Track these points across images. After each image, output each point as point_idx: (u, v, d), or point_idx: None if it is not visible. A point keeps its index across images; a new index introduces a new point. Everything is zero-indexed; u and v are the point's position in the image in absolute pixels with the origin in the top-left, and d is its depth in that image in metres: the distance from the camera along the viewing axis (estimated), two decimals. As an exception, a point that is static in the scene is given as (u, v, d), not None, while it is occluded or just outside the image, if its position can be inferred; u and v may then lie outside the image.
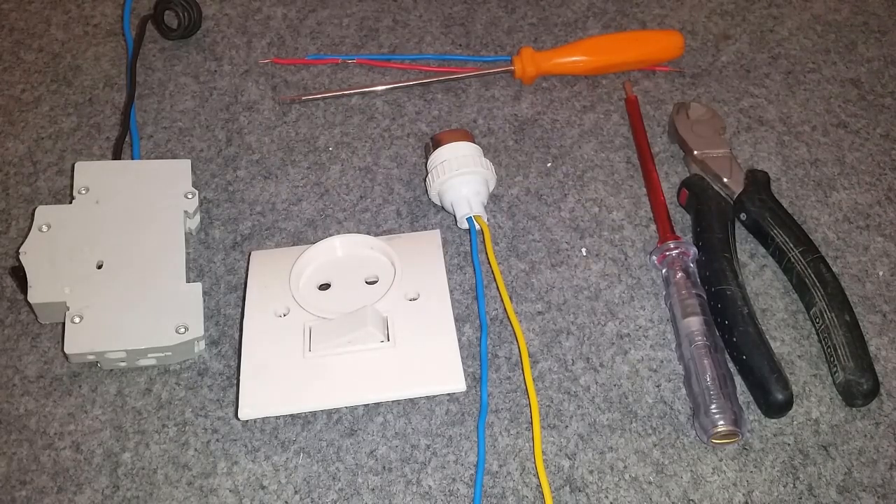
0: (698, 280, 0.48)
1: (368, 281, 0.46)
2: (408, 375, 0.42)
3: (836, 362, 0.44)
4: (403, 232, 0.52)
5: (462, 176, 0.50)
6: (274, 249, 0.50)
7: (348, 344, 0.42)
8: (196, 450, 0.44)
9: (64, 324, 0.45)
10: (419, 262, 0.46)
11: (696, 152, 0.53)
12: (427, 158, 0.52)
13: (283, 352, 0.43)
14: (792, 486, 0.42)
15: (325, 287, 0.46)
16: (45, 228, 0.48)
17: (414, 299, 0.45)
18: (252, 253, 0.49)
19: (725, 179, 0.52)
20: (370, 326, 0.42)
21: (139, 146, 0.56)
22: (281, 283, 0.45)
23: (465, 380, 0.43)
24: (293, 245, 0.51)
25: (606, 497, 0.42)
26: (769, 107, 0.59)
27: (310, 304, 0.44)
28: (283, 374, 0.42)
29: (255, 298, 0.45)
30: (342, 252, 0.47)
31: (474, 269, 0.48)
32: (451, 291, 0.49)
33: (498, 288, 0.48)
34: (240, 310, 0.48)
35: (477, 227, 0.50)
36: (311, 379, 0.42)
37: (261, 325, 0.44)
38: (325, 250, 0.47)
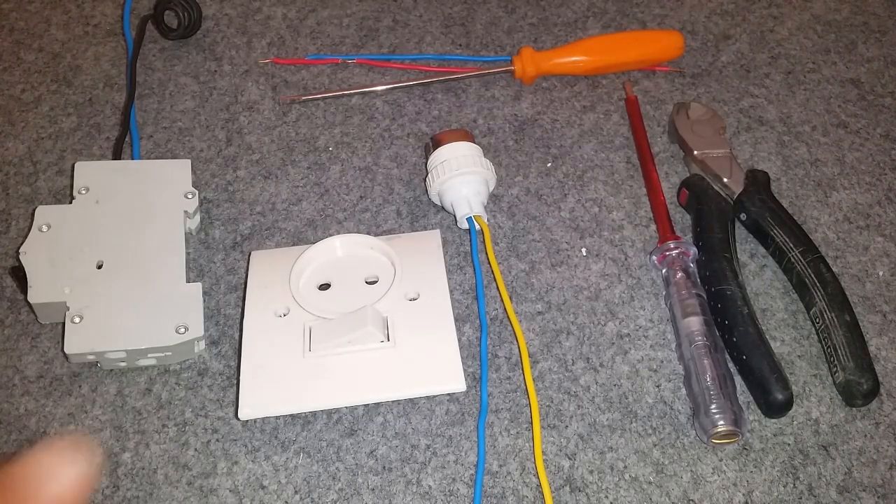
0: (698, 280, 0.48)
1: (368, 281, 0.46)
2: (408, 375, 0.42)
3: (836, 362, 0.44)
4: (403, 232, 0.52)
5: (462, 176, 0.50)
6: (274, 249, 0.50)
7: (348, 344, 0.42)
8: (196, 450, 0.44)
9: (64, 324, 0.45)
10: (419, 262, 0.46)
11: (696, 152, 0.53)
12: (427, 158, 0.52)
13: (282, 352, 0.43)
14: (792, 486, 0.42)
15: (325, 287, 0.46)
16: (45, 228, 0.48)
17: (414, 299, 0.45)
18: (252, 253, 0.49)
19: (725, 179, 0.52)
20: (370, 326, 0.42)
21: (139, 146, 0.56)
22: (281, 283, 0.45)
23: (465, 380, 0.43)
24: (293, 245, 0.51)
25: (606, 497, 0.42)
26: (769, 107, 0.59)
27: (310, 304, 0.44)
28: (283, 374, 0.42)
29: (255, 298, 0.45)
30: (342, 252, 0.47)
31: (474, 269, 0.48)
32: (451, 291, 0.49)
33: (498, 288, 0.48)
34: (240, 310, 0.48)
35: (477, 227, 0.50)
36: (311, 379, 0.42)
37: (261, 324, 0.44)
38: (325, 250, 0.47)
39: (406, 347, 0.43)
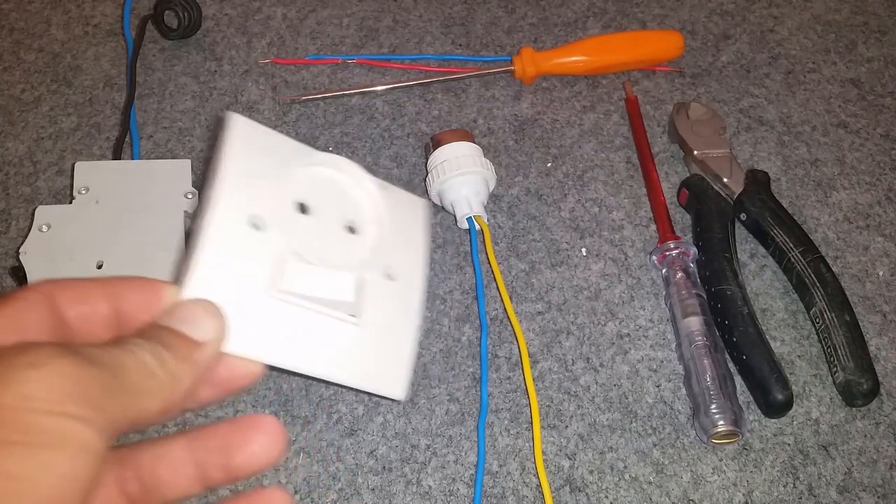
0: (698, 280, 0.48)
1: (348, 227, 0.39)
2: (357, 362, 0.36)
3: (836, 362, 0.44)
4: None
5: (462, 176, 0.50)
6: (261, 126, 0.36)
7: (320, 304, 0.35)
8: (196, 450, 0.44)
9: (64, 324, 0.45)
10: (403, 231, 0.40)
11: (696, 152, 0.53)
12: (427, 158, 0.52)
13: (246, 275, 0.33)
14: (792, 486, 0.42)
15: (302, 210, 0.37)
16: (45, 228, 0.48)
17: (390, 278, 0.38)
18: (232, 115, 0.35)
19: (725, 179, 0.52)
20: (355, 299, 0.36)
21: (139, 146, 0.56)
22: (267, 178, 0.35)
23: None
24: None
25: (606, 497, 0.42)
26: (769, 107, 0.59)
27: (291, 228, 0.35)
28: (240, 303, 0.32)
29: (233, 188, 0.34)
30: (338, 178, 0.39)
31: (474, 269, 0.48)
32: (451, 291, 0.49)
33: (498, 288, 0.48)
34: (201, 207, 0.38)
35: (477, 227, 0.50)
36: (267, 323, 0.33)
37: (231, 230, 0.33)
38: (322, 162, 0.38)
39: (367, 332, 0.36)
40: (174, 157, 0.56)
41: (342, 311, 0.36)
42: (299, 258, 0.35)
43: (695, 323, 0.46)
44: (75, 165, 0.52)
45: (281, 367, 0.34)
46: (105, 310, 0.28)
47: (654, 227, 0.52)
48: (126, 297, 0.28)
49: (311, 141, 0.57)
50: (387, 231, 0.39)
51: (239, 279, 0.33)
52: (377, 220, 0.39)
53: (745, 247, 0.51)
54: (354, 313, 0.36)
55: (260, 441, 0.28)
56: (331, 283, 0.36)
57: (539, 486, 0.42)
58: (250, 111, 0.59)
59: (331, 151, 0.56)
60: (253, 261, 0.33)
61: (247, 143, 0.36)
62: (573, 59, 0.59)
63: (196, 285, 0.31)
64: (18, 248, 0.48)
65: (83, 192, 0.50)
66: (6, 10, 0.66)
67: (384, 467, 0.43)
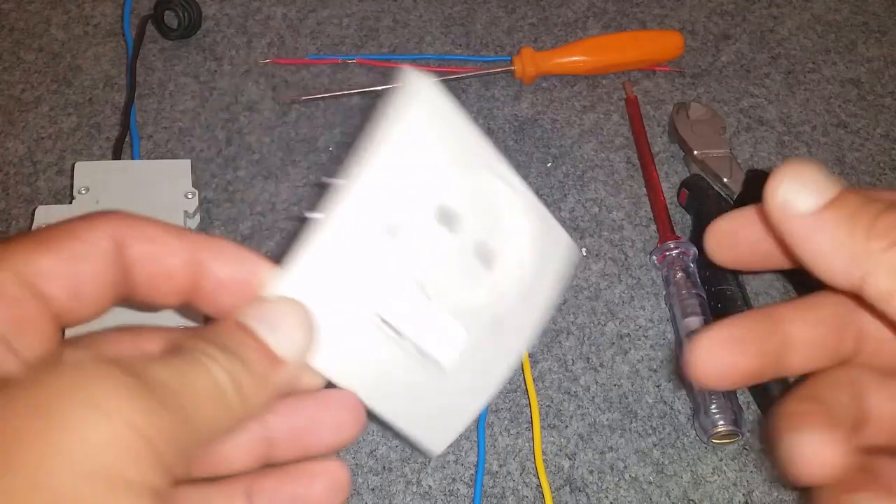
0: (698, 280, 0.48)
1: (482, 254, 0.30)
2: (413, 404, 0.31)
3: (836, 362, 0.44)
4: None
5: (462, 176, 0.50)
6: (448, 100, 0.30)
7: (418, 348, 0.29)
8: (196, 450, 0.44)
9: (64, 324, 0.45)
10: (536, 276, 0.31)
11: (696, 152, 0.53)
12: (427, 158, 0.52)
13: (358, 286, 0.27)
14: (792, 485, 0.42)
15: (441, 221, 0.29)
16: (45, 228, 0.48)
17: (496, 330, 0.31)
18: (415, 76, 0.28)
19: (725, 179, 0.52)
20: (457, 363, 0.29)
21: (139, 146, 0.56)
22: (428, 175, 0.27)
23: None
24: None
25: (606, 497, 0.42)
26: (769, 107, 0.59)
27: (424, 244, 0.28)
28: (339, 316, 0.26)
29: (384, 177, 0.26)
30: (495, 191, 0.30)
31: (474, 269, 0.48)
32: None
33: (498, 288, 0.48)
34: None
35: (477, 227, 0.50)
36: (355, 344, 0.28)
37: (362, 228, 0.26)
38: (494, 171, 0.29)
39: (443, 384, 0.30)
40: (174, 157, 0.56)
41: (436, 359, 0.30)
42: (417, 284, 0.29)
43: (695, 323, 0.46)
44: (75, 165, 0.52)
45: (363, 399, 0.29)
46: (181, 275, 0.23)
47: (654, 227, 0.52)
48: (210, 266, 0.23)
49: (311, 141, 0.57)
50: (526, 275, 0.31)
51: (348, 290, 0.27)
52: (522, 259, 0.31)
53: (745, 247, 0.51)
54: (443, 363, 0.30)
55: (342, 414, 0.24)
56: (440, 335, 0.30)
57: (539, 486, 0.42)
58: (250, 111, 0.59)
59: (331, 152, 0.56)
60: (371, 272, 0.27)
61: (424, 120, 0.28)
62: (573, 59, 0.59)
63: (298, 280, 0.25)
64: (18, 248, 0.48)
65: (83, 192, 0.50)
66: (6, 10, 0.66)
67: (384, 467, 0.43)
